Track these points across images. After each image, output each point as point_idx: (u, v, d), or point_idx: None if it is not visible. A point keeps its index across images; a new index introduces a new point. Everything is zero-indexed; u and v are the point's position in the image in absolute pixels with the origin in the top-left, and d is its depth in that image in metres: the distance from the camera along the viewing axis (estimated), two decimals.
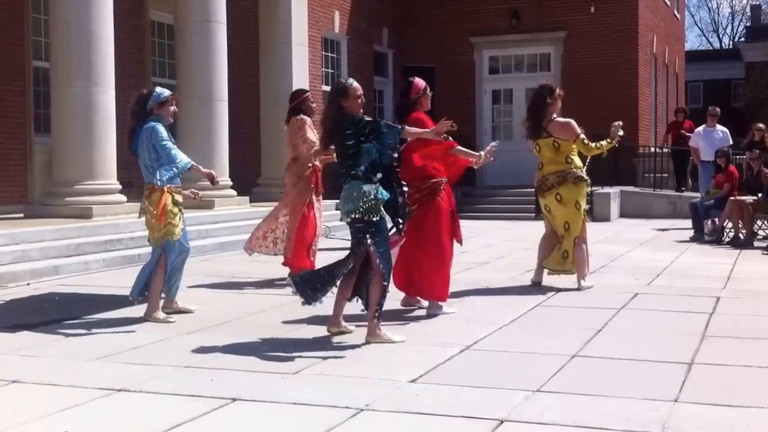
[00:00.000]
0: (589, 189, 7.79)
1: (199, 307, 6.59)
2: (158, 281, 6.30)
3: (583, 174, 7.54)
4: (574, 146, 7.45)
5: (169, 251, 6.33)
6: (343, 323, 5.59)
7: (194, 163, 6.36)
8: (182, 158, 6.28)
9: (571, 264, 7.48)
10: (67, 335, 5.69)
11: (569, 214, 7.46)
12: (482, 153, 6.49)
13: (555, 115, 7.50)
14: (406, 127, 5.61)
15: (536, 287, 7.57)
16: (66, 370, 4.71)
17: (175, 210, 6.26)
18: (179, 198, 6.35)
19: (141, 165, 6.33)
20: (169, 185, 6.23)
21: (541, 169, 7.55)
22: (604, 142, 7.51)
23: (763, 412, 3.84)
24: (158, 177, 6.19)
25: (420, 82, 6.58)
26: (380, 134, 5.31)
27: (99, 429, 3.76)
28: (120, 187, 10.96)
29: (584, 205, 7.56)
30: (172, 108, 6.45)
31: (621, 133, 7.60)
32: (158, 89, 6.48)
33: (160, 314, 6.23)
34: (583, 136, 7.44)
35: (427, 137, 5.75)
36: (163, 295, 6.41)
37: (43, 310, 6.59)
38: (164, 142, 6.19)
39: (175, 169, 6.23)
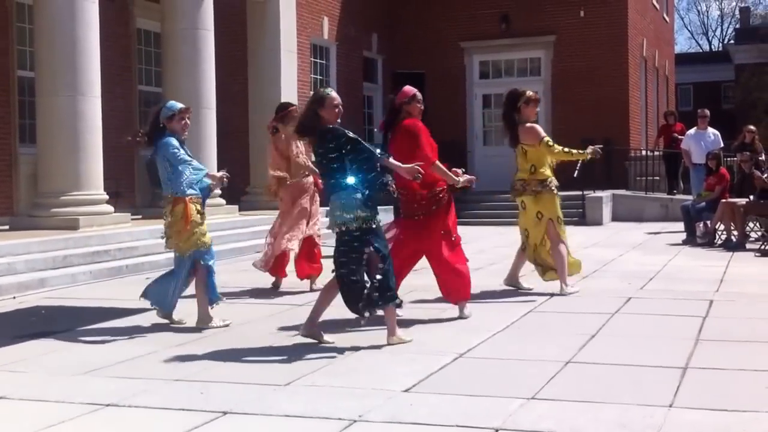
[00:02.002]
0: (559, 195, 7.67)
1: (187, 318, 6.52)
2: (201, 292, 6.36)
3: (548, 185, 7.49)
4: (543, 154, 7.49)
5: (207, 257, 6.38)
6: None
7: (207, 170, 6.55)
8: (198, 167, 6.44)
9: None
10: (54, 349, 5.63)
11: (528, 222, 7.62)
12: (461, 179, 6.39)
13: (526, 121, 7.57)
14: (387, 159, 5.55)
15: (526, 292, 7.61)
16: (53, 386, 4.66)
17: (200, 219, 6.34)
18: (199, 207, 6.41)
19: (162, 181, 6.38)
20: (190, 195, 6.30)
21: (515, 174, 7.73)
22: (574, 150, 7.54)
23: (758, 416, 3.83)
24: (179, 188, 6.27)
25: (409, 89, 6.49)
26: (358, 153, 5.36)
27: None
28: (107, 197, 10.89)
29: (553, 215, 7.51)
30: (183, 122, 6.41)
31: (596, 155, 7.62)
32: (170, 103, 6.51)
33: (217, 320, 6.32)
34: (547, 138, 7.50)
35: (401, 173, 5.63)
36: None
37: (30, 324, 6.53)
38: (174, 150, 6.26)
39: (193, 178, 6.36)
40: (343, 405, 4.11)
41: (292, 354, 5.30)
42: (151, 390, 4.49)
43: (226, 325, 6.27)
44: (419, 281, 8.48)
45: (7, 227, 10.48)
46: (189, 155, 6.45)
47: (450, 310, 6.78)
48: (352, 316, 6.44)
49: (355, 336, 5.78)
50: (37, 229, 10.00)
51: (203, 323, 6.28)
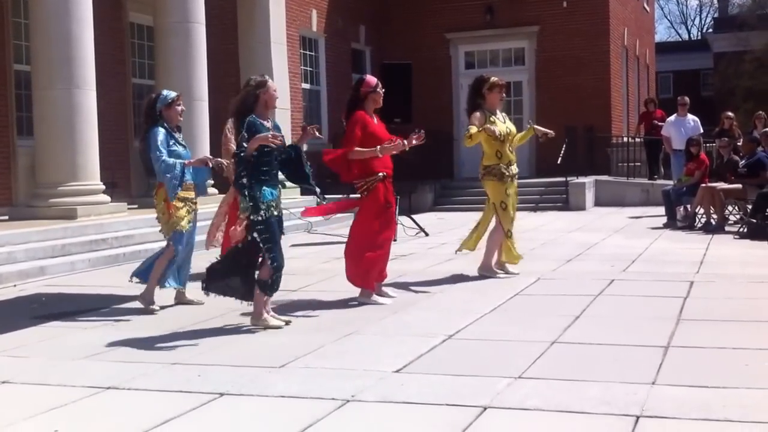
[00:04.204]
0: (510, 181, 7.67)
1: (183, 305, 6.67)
2: (159, 268, 6.56)
3: (491, 171, 7.59)
4: (485, 141, 7.58)
5: (176, 242, 6.56)
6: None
7: (183, 162, 6.48)
8: (175, 164, 6.42)
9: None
10: (55, 335, 5.72)
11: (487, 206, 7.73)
12: (398, 141, 6.55)
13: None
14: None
15: (513, 276, 7.68)
16: (54, 370, 4.74)
17: (180, 204, 6.49)
18: (186, 194, 6.54)
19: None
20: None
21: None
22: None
23: (737, 392, 3.91)
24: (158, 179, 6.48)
25: (372, 79, 6.70)
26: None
27: (89, 427, 3.78)
28: (103, 187, 11.00)
29: (496, 200, 7.59)
30: (179, 108, 6.64)
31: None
32: (165, 92, 6.70)
33: (155, 304, 6.49)
34: (468, 129, 7.59)
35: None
36: (174, 285, 6.68)
37: (31, 311, 6.61)
38: (156, 152, 6.40)
39: (174, 177, 6.41)
40: (337, 385, 4.18)
41: (286, 337, 5.39)
42: (149, 373, 4.55)
43: (153, 312, 6.41)
44: (409, 266, 8.64)
45: (6, 217, 10.57)
46: (182, 143, 6.62)
47: (439, 293, 6.90)
48: (344, 298, 6.58)
49: (346, 319, 5.90)
50: (36, 219, 10.10)
51: (143, 300, 6.50)
